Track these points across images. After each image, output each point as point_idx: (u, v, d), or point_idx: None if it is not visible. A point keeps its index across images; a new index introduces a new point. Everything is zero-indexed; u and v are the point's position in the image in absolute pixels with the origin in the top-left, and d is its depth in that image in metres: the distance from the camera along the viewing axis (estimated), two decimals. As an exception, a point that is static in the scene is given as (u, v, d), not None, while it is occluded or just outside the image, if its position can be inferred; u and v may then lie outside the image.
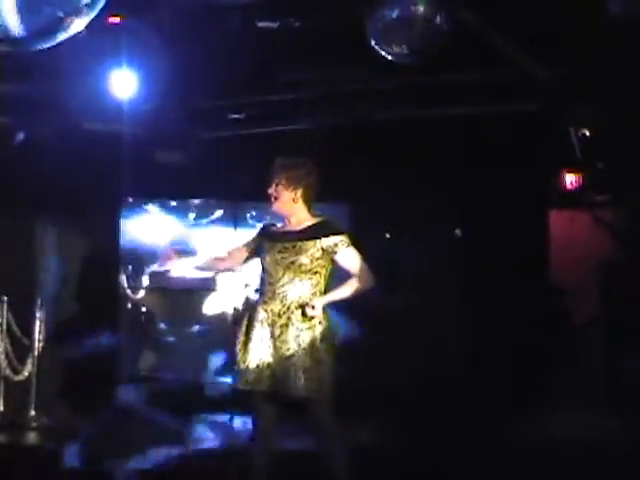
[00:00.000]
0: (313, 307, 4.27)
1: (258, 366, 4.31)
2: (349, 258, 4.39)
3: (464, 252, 8.46)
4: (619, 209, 8.32)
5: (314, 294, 4.33)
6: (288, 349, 4.26)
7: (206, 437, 7.13)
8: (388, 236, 8.84)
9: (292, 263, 4.33)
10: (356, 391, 7.14)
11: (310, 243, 4.34)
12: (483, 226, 8.35)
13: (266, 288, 4.41)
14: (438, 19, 5.16)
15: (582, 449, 6.00)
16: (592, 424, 6.92)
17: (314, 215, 4.52)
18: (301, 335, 4.27)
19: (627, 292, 8.08)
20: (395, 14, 5.15)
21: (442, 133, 7.57)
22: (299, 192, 4.42)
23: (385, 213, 8.57)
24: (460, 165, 8.08)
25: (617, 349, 8.11)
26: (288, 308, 4.31)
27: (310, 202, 4.51)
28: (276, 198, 4.46)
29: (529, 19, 5.47)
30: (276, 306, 4.33)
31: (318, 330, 4.30)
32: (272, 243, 4.46)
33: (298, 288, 4.32)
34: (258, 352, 4.32)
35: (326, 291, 4.41)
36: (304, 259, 4.31)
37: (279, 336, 4.30)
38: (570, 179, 8.23)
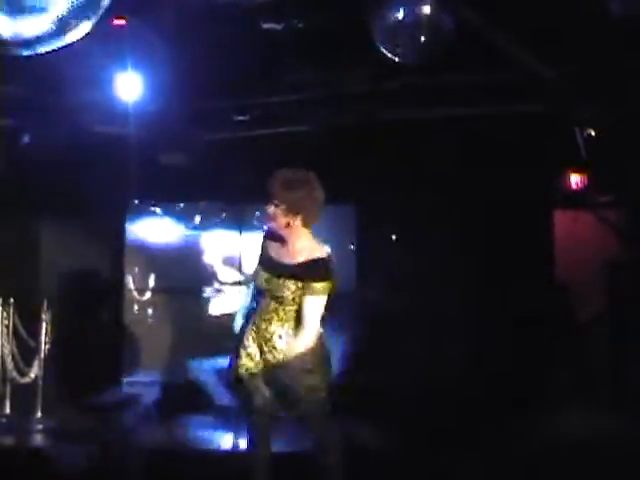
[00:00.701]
0: (280, 336, 4.27)
1: (249, 380, 4.32)
2: (310, 309, 4.21)
3: (469, 252, 8.45)
4: (623, 209, 8.31)
5: (296, 318, 4.30)
6: (275, 366, 4.26)
7: (208, 439, 7.13)
8: (394, 237, 8.85)
9: (273, 296, 4.30)
10: (357, 392, 7.16)
11: (290, 281, 4.24)
12: (488, 226, 8.34)
13: (257, 310, 4.41)
14: (443, 20, 5.17)
15: (585, 449, 5.99)
16: (595, 424, 6.90)
17: (310, 241, 4.31)
18: (288, 352, 4.26)
19: (631, 292, 8.07)
20: (399, 15, 5.16)
21: (447, 134, 7.57)
22: (299, 218, 4.20)
23: (391, 214, 8.57)
24: (465, 165, 8.08)
25: (621, 349, 8.10)
26: (273, 334, 4.31)
27: (309, 226, 4.28)
28: (272, 219, 4.24)
29: (533, 19, 5.47)
30: (263, 332, 4.33)
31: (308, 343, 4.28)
32: (262, 270, 4.40)
33: (281, 316, 4.30)
34: (249, 367, 4.33)
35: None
36: (284, 294, 4.26)
37: (267, 353, 4.30)
38: (575, 179, 8.22)
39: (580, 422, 6.92)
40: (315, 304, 4.22)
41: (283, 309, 4.28)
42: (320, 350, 4.32)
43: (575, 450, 5.95)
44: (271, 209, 4.21)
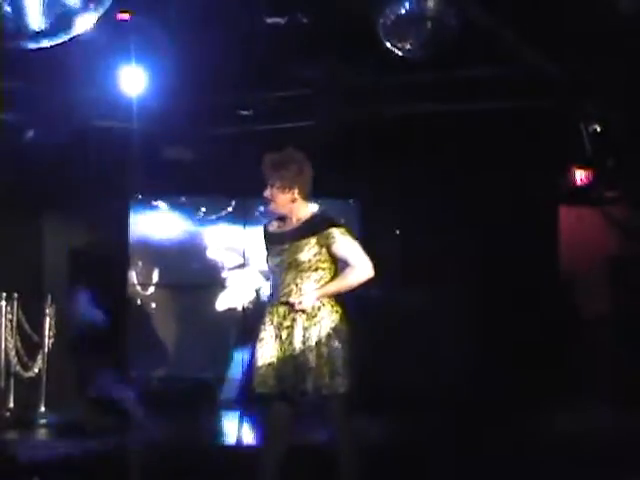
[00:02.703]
0: (300, 302, 4.24)
1: (267, 368, 4.30)
2: (344, 248, 4.26)
3: (472, 248, 8.45)
4: (629, 205, 8.30)
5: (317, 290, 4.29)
6: (294, 349, 4.22)
7: (216, 434, 7.14)
8: (397, 232, 8.85)
9: (290, 264, 4.26)
10: (369, 387, 7.15)
11: (304, 241, 4.28)
12: (492, 221, 8.34)
13: (273, 290, 4.40)
14: (448, 15, 5.16)
15: (592, 444, 6.00)
16: (602, 419, 6.91)
17: (308, 208, 4.38)
18: (306, 334, 4.23)
19: (636, 287, 8.06)
20: (405, 10, 5.15)
21: (451, 129, 7.55)
22: (295, 192, 4.30)
23: (394, 209, 8.57)
24: (469, 161, 8.06)
25: (627, 344, 8.09)
26: (292, 310, 4.28)
27: (307, 197, 4.38)
28: (272, 201, 4.33)
29: (539, 16, 5.45)
30: (281, 308, 4.30)
31: (325, 326, 4.26)
32: (272, 246, 4.41)
33: (300, 287, 4.28)
34: (266, 354, 4.31)
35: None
36: (301, 257, 4.25)
37: (286, 338, 4.27)
38: (580, 175, 8.21)
39: (587, 417, 6.92)
40: (346, 243, 4.26)
41: (300, 277, 4.27)
42: (343, 322, 4.30)
43: (577, 446, 5.95)
44: (267, 192, 4.32)
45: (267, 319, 4.35)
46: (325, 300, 4.28)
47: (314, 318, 4.25)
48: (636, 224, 8.23)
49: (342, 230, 4.30)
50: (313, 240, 4.25)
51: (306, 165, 4.36)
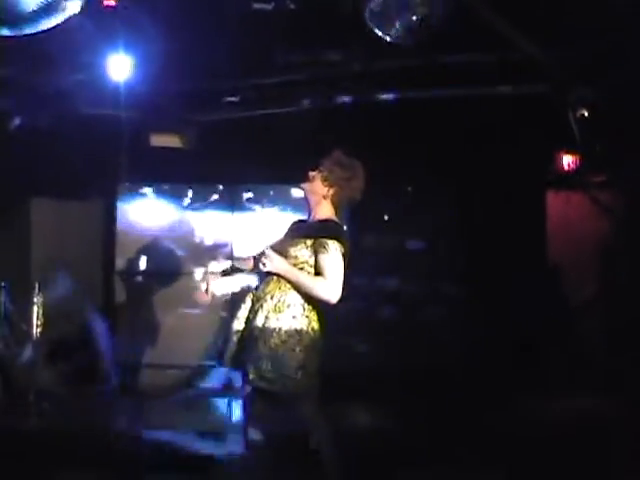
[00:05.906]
0: (263, 263, 4.25)
1: (232, 342, 4.35)
2: (329, 261, 4.25)
3: (461, 234, 8.45)
4: (616, 191, 8.32)
5: (290, 289, 4.29)
6: (252, 334, 4.27)
7: (201, 422, 7.15)
8: (386, 218, 8.85)
9: (281, 253, 4.33)
10: (352, 376, 7.18)
11: (303, 237, 4.33)
12: (480, 207, 8.34)
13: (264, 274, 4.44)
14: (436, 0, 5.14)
15: (580, 433, 6.02)
16: (589, 407, 6.94)
17: (331, 214, 4.47)
18: (267, 324, 4.25)
19: (624, 274, 8.08)
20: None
21: (439, 114, 7.54)
22: (331, 191, 4.41)
23: (383, 195, 8.55)
24: (457, 146, 8.06)
25: (614, 331, 8.12)
26: (264, 296, 4.30)
27: (338, 206, 4.47)
28: (310, 181, 4.45)
29: (527, 1, 5.44)
30: (258, 292, 4.36)
31: (289, 324, 4.25)
32: (286, 233, 4.54)
33: (279, 279, 4.30)
34: (236, 330, 4.36)
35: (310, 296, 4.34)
36: (292, 250, 4.32)
37: (249, 320, 4.31)
38: (567, 160, 8.21)
39: (574, 406, 6.95)
40: (333, 259, 4.25)
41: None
42: (311, 329, 4.30)
43: (572, 434, 5.98)
44: (312, 173, 4.43)
45: (247, 298, 4.41)
46: (299, 302, 4.28)
47: (279, 313, 4.26)
48: (623, 209, 8.24)
49: (338, 246, 4.29)
50: (309, 241, 4.28)
51: (358, 179, 4.45)
